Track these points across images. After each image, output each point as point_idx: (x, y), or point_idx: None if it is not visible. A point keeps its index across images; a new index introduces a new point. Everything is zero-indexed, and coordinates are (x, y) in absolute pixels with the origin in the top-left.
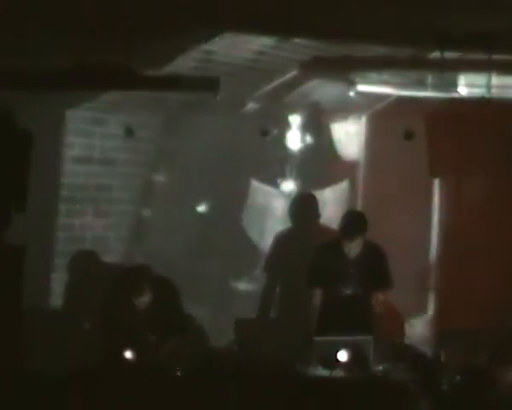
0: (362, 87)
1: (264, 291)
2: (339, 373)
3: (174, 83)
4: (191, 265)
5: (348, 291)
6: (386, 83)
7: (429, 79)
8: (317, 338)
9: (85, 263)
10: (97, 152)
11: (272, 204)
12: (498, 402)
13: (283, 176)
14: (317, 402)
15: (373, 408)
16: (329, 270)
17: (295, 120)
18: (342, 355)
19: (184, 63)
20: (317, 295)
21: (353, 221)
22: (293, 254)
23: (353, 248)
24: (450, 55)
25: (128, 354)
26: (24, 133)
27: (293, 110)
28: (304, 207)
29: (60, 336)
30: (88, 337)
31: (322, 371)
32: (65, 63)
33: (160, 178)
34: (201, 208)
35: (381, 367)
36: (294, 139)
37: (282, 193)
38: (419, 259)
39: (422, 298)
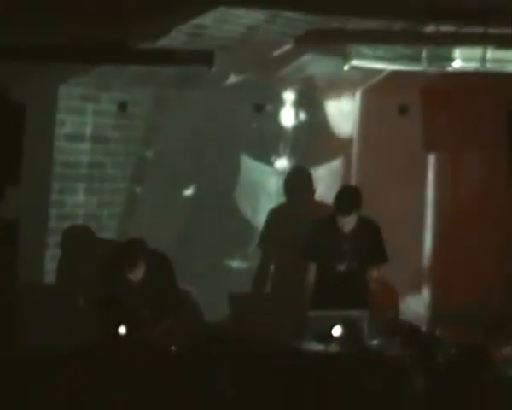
0: (356, 62)
1: (259, 267)
2: (333, 348)
3: (168, 57)
4: (184, 242)
5: (343, 267)
6: (380, 57)
7: (424, 53)
8: (312, 313)
9: (78, 237)
10: (89, 129)
11: (266, 181)
12: (494, 379)
13: (277, 152)
14: (312, 378)
15: (368, 383)
16: (324, 245)
17: (289, 95)
18: (337, 330)
19: (177, 37)
20: (312, 271)
21: (348, 196)
22: (287, 230)
23: (348, 224)
24: (445, 28)
25: (123, 332)
26: (18, 107)
27: (286, 85)
28: (298, 182)
29: (53, 312)
30: (82, 314)
31: (317, 346)
32: (58, 37)
33: (152, 155)
34: (194, 185)
35: (375, 342)
36: (288, 115)
37: (276, 170)
38: (414, 235)
39: (418, 274)
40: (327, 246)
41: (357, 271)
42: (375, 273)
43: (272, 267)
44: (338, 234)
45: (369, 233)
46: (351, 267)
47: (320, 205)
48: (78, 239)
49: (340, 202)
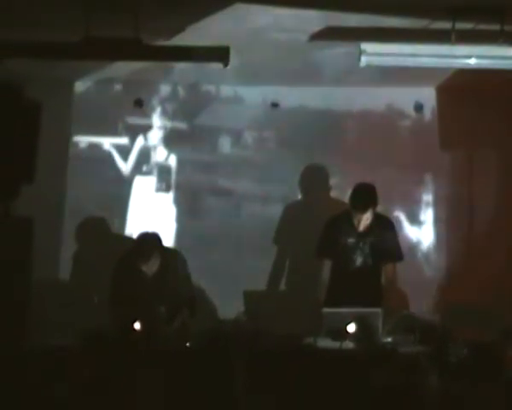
0: (372, 58)
1: (274, 264)
2: (348, 345)
3: (184, 53)
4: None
5: (358, 263)
6: (396, 55)
7: (440, 50)
8: (327, 310)
9: (94, 229)
10: None
11: None
12: (506, 380)
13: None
14: (327, 375)
15: (382, 380)
16: (339, 242)
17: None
18: (351, 328)
19: (191, 34)
20: (327, 268)
21: (363, 194)
22: (302, 227)
23: (363, 221)
24: (461, 26)
25: (138, 327)
26: (33, 104)
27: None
28: (314, 179)
29: (69, 307)
30: (98, 309)
31: (332, 343)
32: (75, 34)
33: None
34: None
35: (389, 339)
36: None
37: None
38: (427, 234)
39: (432, 271)
40: (342, 243)
41: (372, 268)
42: (389, 270)
43: (287, 263)
44: (353, 231)
45: (385, 230)
46: (366, 264)
47: (335, 202)
48: (94, 231)
49: (355, 199)
